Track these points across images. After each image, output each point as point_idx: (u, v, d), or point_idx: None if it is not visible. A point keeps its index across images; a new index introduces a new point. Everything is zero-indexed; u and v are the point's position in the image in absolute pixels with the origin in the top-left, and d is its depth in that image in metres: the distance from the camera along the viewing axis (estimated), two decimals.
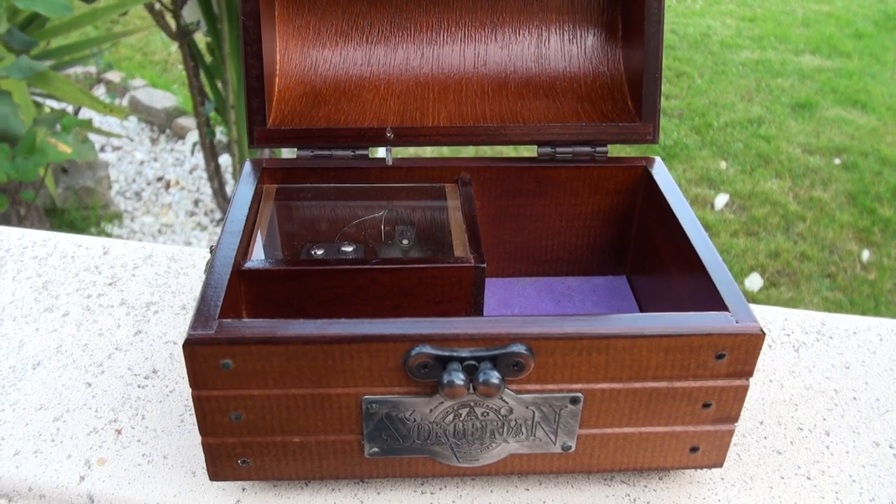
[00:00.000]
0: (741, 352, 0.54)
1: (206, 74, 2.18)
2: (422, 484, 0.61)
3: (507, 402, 0.55)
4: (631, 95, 0.74)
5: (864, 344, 0.78)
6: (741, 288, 2.20)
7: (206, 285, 0.56)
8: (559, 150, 0.73)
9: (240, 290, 0.62)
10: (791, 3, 4.07)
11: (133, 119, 2.98)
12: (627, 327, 0.53)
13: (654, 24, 0.69)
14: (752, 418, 0.69)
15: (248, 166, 0.72)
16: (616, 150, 0.75)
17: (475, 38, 0.76)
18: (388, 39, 0.75)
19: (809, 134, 2.91)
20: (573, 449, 0.57)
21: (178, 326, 0.77)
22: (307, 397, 0.54)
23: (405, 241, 0.71)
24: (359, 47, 0.75)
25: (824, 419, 0.69)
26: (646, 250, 0.74)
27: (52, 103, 2.28)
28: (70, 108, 2.31)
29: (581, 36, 0.76)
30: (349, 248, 0.70)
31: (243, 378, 0.53)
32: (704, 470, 0.63)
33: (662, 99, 3.14)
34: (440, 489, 0.61)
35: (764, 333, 0.53)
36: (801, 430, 0.68)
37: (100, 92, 3.03)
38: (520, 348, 0.52)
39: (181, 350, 0.73)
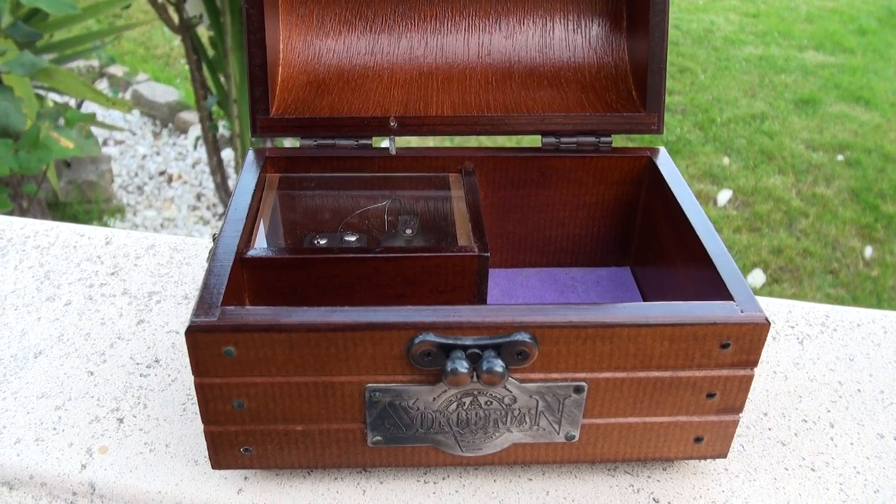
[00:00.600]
0: (746, 341, 0.53)
1: (209, 68, 2.17)
2: (425, 473, 0.61)
3: (510, 391, 0.54)
4: (635, 86, 0.73)
5: (868, 336, 0.77)
6: None
7: (209, 273, 0.56)
8: (563, 140, 0.73)
9: (242, 279, 0.62)
10: None
11: (136, 113, 2.97)
12: (632, 316, 0.52)
13: (659, 14, 0.69)
14: (756, 410, 0.68)
15: (251, 155, 0.72)
16: (622, 143, 0.74)
17: (479, 28, 0.76)
18: (392, 28, 0.75)
19: (813, 130, 2.90)
20: (577, 438, 0.57)
21: (181, 316, 0.77)
22: (310, 385, 0.54)
23: (408, 231, 0.71)
24: (362, 36, 0.75)
25: (828, 411, 0.69)
26: (650, 241, 0.74)
27: (54, 97, 2.28)
28: (73, 102, 2.31)
29: (586, 26, 0.76)
30: (352, 238, 0.70)
31: (246, 366, 0.52)
32: (708, 460, 0.63)
33: (666, 94, 3.14)
34: (443, 478, 0.61)
35: (769, 323, 0.53)
36: (806, 421, 0.68)
37: (102, 86, 3.02)
38: (524, 337, 0.52)
39: (183, 339, 0.73)
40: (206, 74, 2.17)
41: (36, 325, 0.75)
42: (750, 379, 0.55)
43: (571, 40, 0.76)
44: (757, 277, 2.22)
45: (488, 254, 0.62)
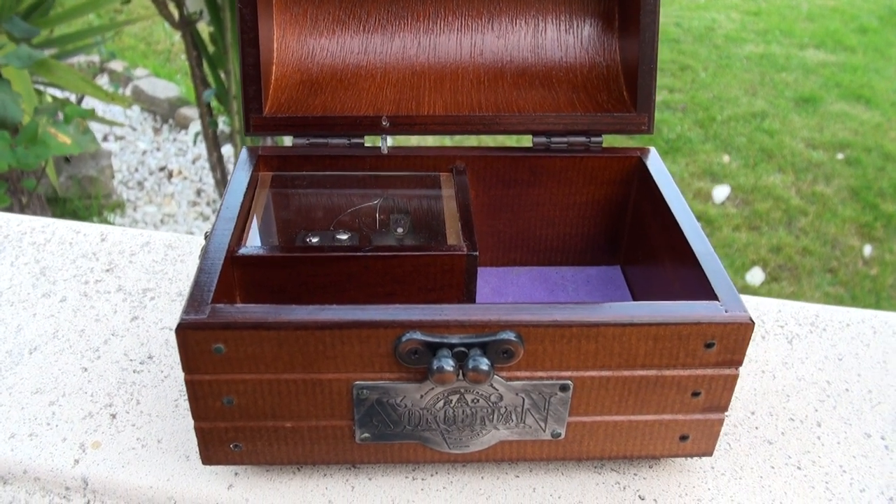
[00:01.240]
0: (730, 341, 0.54)
1: (209, 64, 2.18)
2: (413, 470, 0.62)
3: (496, 389, 0.55)
4: (626, 86, 0.74)
5: (857, 336, 0.78)
6: (742, 282, 2.20)
7: (200, 271, 0.57)
8: (554, 139, 0.73)
9: (233, 276, 0.62)
10: None
11: (136, 109, 2.98)
12: (616, 315, 0.53)
13: (650, 15, 0.69)
14: (743, 408, 0.69)
15: (244, 153, 0.72)
16: (621, 142, 0.75)
17: (472, 28, 0.76)
18: (385, 28, 0.76)
19: (813, 129, 2.90)
20: (563, 436, 0.58)
21: (174, 313, 0.77)
22: (298, 382, 0.54)
23: (400, 230, 0.71)
24: (355, 36, 0.75)
25: (816, 410, 0.69)
26: (639, 240, 0.75)
27: (55, 92, 2.29)
28: (73, 97, 2.31)
29: (577, 26, 0.76)
30: (344, 236, 0.70)
31: (235, 363, 0.53)
32: (694, 458, 0.64)
33: (666, 92, 3.14)
34: (431, 475, 0.61)
35: (753, 323, 0.53)
36: (793, 420, 0.68)
37: (103, 81, 3.03)
38: (509, 335, 0.52)
39: None
40: (206, 70, 2.17)
41: (31, 321, 0.76)
42: (735, 378, 0.56)
43: (563, 40, 0.76)
44: (756, 275, 2.22)
45: (477, 253, 0.63)
